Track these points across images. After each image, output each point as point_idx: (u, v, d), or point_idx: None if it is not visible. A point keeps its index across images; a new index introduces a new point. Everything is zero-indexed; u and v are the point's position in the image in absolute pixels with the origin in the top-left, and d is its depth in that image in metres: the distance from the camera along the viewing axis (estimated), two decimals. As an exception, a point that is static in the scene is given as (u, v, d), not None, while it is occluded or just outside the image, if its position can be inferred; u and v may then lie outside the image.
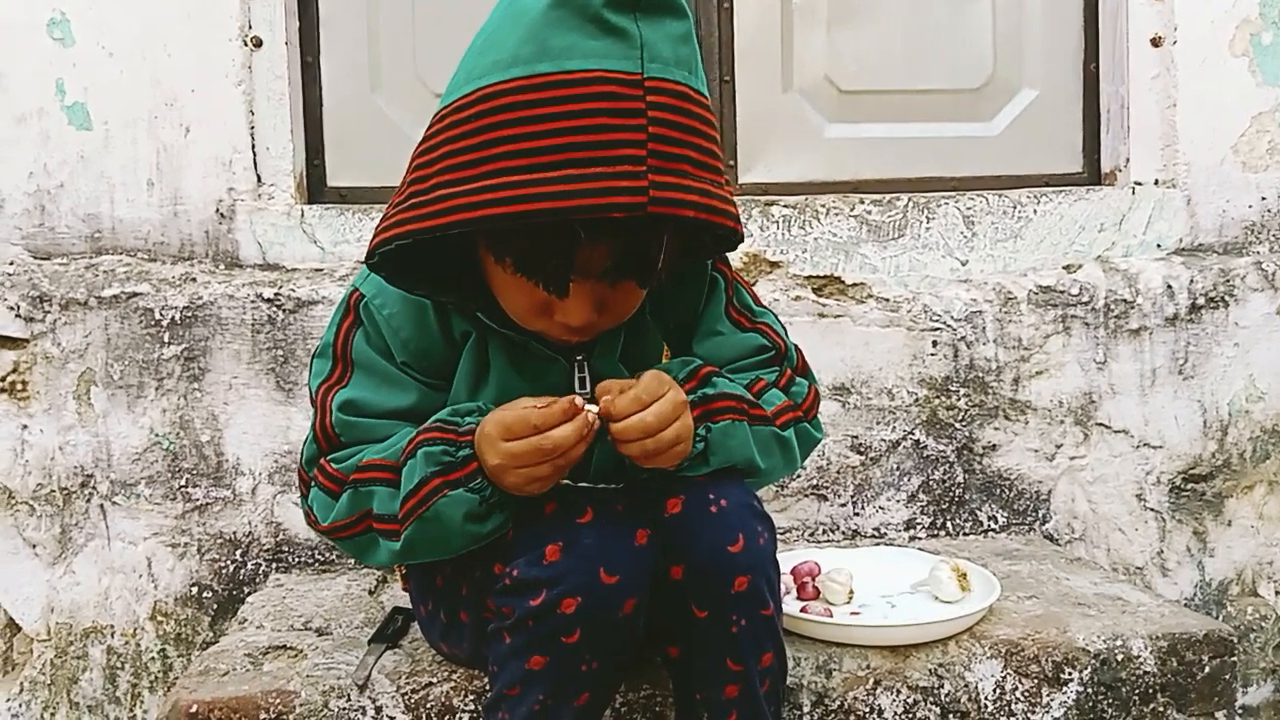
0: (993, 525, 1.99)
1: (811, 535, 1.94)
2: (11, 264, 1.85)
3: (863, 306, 1.95)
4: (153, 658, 1.87)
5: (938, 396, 1.96)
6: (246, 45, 1.91)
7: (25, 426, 1.84)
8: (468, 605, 1.20)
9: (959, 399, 1.96)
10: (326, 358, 1.21)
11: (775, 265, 1.97)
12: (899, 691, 1.37)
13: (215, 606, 1.87)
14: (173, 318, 1.83)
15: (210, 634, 1.85)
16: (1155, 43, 2.07)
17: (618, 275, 1.05)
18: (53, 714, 1.86)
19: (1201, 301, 2.01)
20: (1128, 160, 2.10)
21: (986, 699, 1.39)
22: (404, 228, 1.02)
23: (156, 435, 1.84)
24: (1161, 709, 1.43)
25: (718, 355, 1.25)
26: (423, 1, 2.03)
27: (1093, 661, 1.41)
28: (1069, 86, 2.17)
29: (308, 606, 1.62)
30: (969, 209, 2.02)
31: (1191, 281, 2.01)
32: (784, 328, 1.33)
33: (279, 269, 1.91)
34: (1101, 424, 2.00)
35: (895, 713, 1.36)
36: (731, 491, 1.13)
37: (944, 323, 1.95)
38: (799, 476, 1.93)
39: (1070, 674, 1.41)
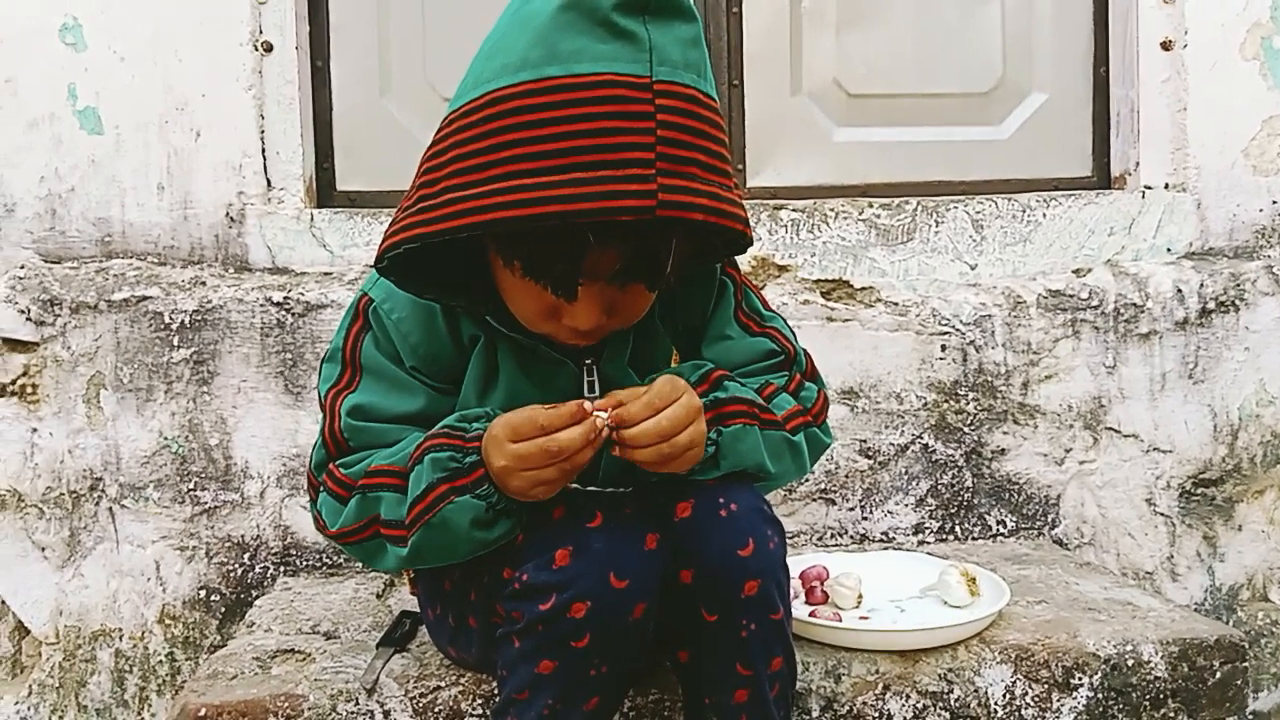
0: (1002, 530, 1.98)
1: (820, 539, 1.94)
2: (22, 267, 1.86)
3: (871, 310, 1.94)
4: (161, 661, 1.87)
5: (946, 400, 1.95)
6: (257, 50, 1.91)
7: (35, 430, 1.84)
8: (476, 610, 1.20)
9: (968, 403, 1.96)
10: (335, 362, 1.21)
11: (784, 269, 1.97)
12: (908, 696, 1.36)
13: (223, 610, 1.87)
14: (182, 321, 1.84)
15: (218, 637, 1.85)
16: (1165, 46, 2.06)
17: (626, 278, 1.05)
18: (61, 717, 1.87)
19: (1212, 305, 2.00)
20: (1138, 164, 2.10)
21: (996, 704, 1.38)
22: (413, 231, 1.01)
23: (165, 438, 1.85)
24: (1172, 714, 1.42)
25: (727, 359, 1.25)
26: (432, 6, 2.03)
27: (1103, 667, 1.41)
28: (1079, 90, 2.17)
29: (316, 610, 1.62)
30: (978, 213, 2.01)
31: (1202, 285, 2.00)
32: (793, 332, 1.32)
33: (288, 273, 1.92)
34: (1111, 428, 1.99)
35: (904, 718, 1.36)
36: (741, 496, 1.13)
37: (953, 327, 1.95)
38: (807, 480, 1.92)
39: (1080, 679, 1.40)
